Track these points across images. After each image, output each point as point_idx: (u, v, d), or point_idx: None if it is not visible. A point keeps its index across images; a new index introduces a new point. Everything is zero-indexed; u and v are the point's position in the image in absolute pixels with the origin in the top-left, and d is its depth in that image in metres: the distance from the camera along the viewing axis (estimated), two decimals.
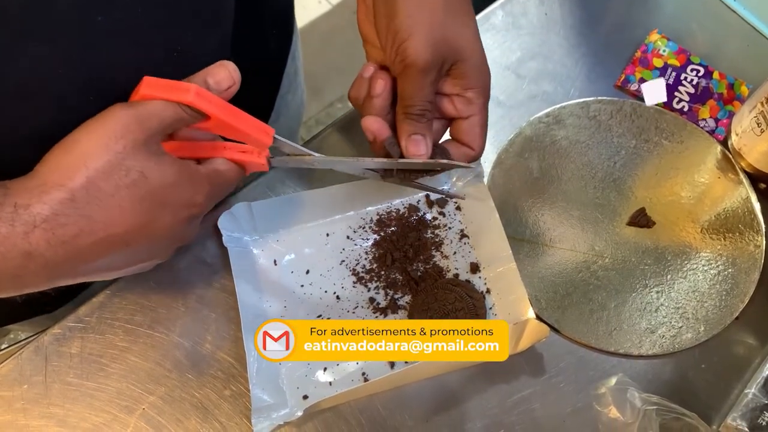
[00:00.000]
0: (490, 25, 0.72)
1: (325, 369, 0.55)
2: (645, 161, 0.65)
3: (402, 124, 0.52)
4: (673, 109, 0.68)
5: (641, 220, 0.62)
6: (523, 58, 0.70)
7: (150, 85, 0.43)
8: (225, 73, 0.46)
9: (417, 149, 0.51)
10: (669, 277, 0.60)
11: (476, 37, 0.52)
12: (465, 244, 0.60)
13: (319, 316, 0.57)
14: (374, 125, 0.52)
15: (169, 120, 0.43)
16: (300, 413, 0.50)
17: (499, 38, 0.71)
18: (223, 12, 0.53)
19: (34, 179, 0.40)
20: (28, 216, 0.39)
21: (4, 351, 0.56)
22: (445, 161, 0.52)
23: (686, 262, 0.61)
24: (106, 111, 0.42)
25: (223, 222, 0.57)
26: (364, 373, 0.55)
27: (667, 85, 0.68)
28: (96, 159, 0.41)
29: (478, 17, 0.71)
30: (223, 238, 0.57)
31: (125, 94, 0.47)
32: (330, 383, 0.54)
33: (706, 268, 0.61)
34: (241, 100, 0.65)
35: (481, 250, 0.60)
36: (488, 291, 0.58)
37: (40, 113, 0.45)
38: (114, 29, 0.43)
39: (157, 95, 0.43)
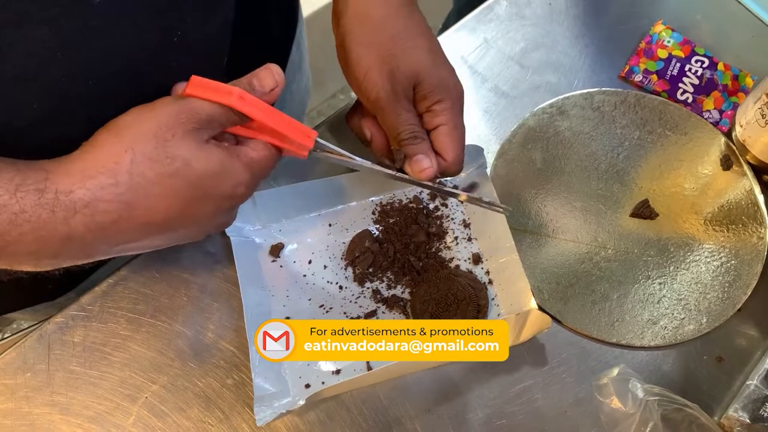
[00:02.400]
0: (494, 15, 0.71)
1: None
2: (648, 153, 0.65)
3: (401, 153, 0.54)
4: (677, 101, 0.67)
5: (644, 211, 0.62)
6: (526, 48, 0.70)
7: (195, 85, 0.44)
8: (269, 75, 0.47)
9: (420, 165, 0.53)
10: (672, 268, 0.60)
11: (432, 56, 0.53)
12: (467, 234, 0.60)
13: (322, 306, 0.57)
14: (371, 128, 0.55)
15: (217, 117, 0.44)
16: (302, 402, 0.50)
17: (502, 28, 0.71)
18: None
19: (78, 162, 0.41)
20: (68, 202, 0.39)
21: (7, 339, 0.56)
22: (478, 197, 0.54)
23: (689, 253, 0.61)
24: (157, 101, 0.43)
25: None
26: (367, 361, 0.55)
27: (672, 76, 0.68)
28: (143, 144, 0.41)
29: (482, 7, 0.72)
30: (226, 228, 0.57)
31: (124, 78, 0.47)
32: (332, 372, 0.54)
33: (708, 259, 0.60)
34: None
35: (484, 241, 0.60)
36: (490, 282, 0.58)
37: (39, 98, 0.45)
38: (112, 13, 0.43)
39: (202, 95, 0.44)
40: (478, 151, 0.60)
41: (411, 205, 0.61)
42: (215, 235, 0.59)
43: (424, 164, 0.52)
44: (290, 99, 0.80)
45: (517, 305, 0.56)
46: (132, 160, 0.40)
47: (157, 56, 0.49)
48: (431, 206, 0.61)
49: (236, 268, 0.56)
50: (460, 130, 0.54)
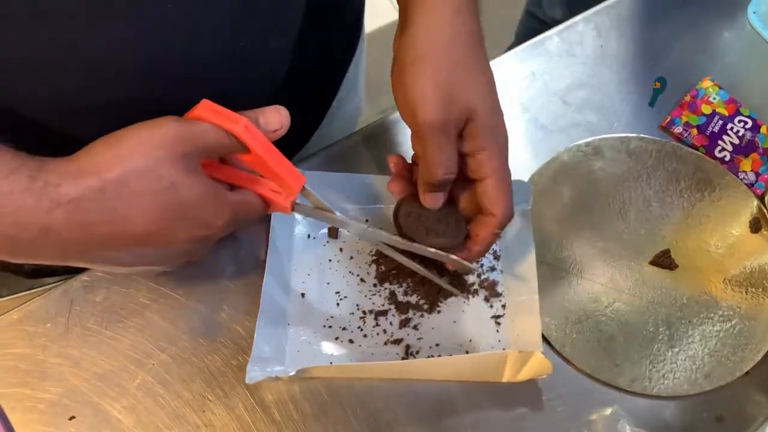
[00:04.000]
0: (544, 49, 0.73)
1: (336, 338, 0.57)
2: (677, 204, 0.65)
3: (421, 188, 0.53)
4: (714, 157, 0.67)
5: (664, 261, 0.62)
6: (572, 85, 0.71)
7: (205, 108, 0.45)
8: (276, 117, 0.48)
9: (434, 202, 0.53)
10: (683, 321, 0.60)
11: (488, 96, 0.51)
12: (494, 265, 0.61)
13: (338, 293, 0.59)
14: (396, 187, 0.56)
15: (212, 143, 0.45)
16: (292, 372, 0.52)
17: (551, 63, 0.72)
18: (289, 15, 0.55)
19: (73, 163, 0.42)
20: (55, 194, 0.40)
21: (33, 291, 0.59)
22: (455, 258, 0.54)
23: (703, 309, 0.61)
24: (158, 119, 0.44)
25: None
26: (373, 354, 0.56)
27: (712, 132, 0.68)
28: (135, 159, 0.42)
29: (534, 40, 0.73)
30: None
31: (182, 80, 0.50)
32: (330, 354, 0.56)
33: (723, 318, 0.60)
34: (297, 99, 0.67)
35: (508, 275, 0.60)
36: (502, 315, 0.59)
37: (104, 87, 0.47)
38: (182, 17, 0.46)
39: (210, 119, 0.45)
40: (526, 187, 0.61)
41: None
42: None
43: (437, 201, 0.53)
44: (341, 116, 0.81)
45: (524, 342, 0.56)
46: (122, 171, 0.42)
47: (216, 65, 0.51)
48: None
49: (270, 231, 0.58)
50: (508, 181, 0.52)
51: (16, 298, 0.58)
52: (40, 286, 0.64)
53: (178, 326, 0.57)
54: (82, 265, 0.46)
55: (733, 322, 0.60)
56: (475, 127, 0.50)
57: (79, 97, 0.48)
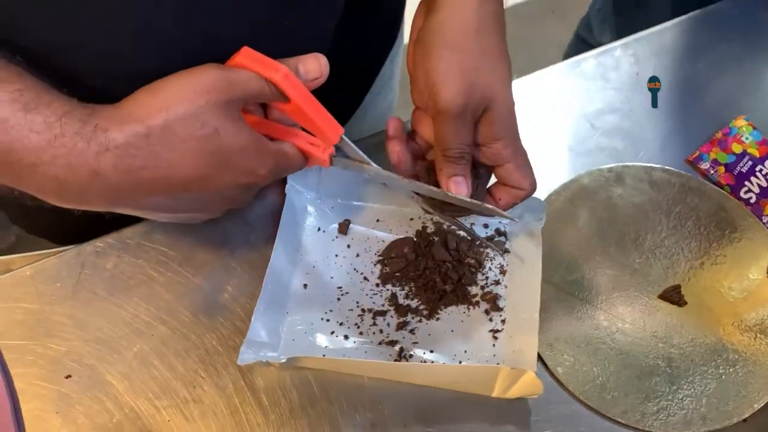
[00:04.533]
0: (579, 71, 0.72)
1: (332, 332, 0.57)
2: (695, 241, 0.64)
3: (441, 166, 0.53)
4: (739, 198, 0.66)
5: (674, 296, 0.61)
6: (602, 110, 0.70)
7: (246, 56, 0.46)
8: (316, 65, 0.49)
9: (459, 189, 0.53)
10: (685, 359, 0.59)
11: (507, 85, 0.53)
12: (498, 279, 0.61)
13: (340, 288, 0.60)
14: (396, 147, 0.55)
15: (253, 91, 0.46)
16: (284, 359, 0.53)
17: (584, 85, 0.71)
18: (332, 1, 0.56)
19: (119, 109, 0.44)
20: (104, 138, 0.42)
21: (47, 251, 0.61)
22: (490, 207, 0.54)
23: (708, 350, 0.59)
24: (199, 66, 0.45)
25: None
26: (366, 352, 0.57)
27: (740, 173, 0.67)
28: (178, 106, 0.43)
29: (570, 60, 0.73)
30: (287, 186, 0.61)
31: (223, 52, 0.51)
32: (324, 347, 0.57)
33: (726, 362, 0.59)
34: (331, 89, 0.68)
35: (511, 291, 0.60)
36: (500, 330, 0.58)
37: (151, 55, 0.48)
38: None
39: (250, 66, 0.46)
40: (541, 205, 0.61)
41: (459, 232, 0.62)
42: (258, 206, 0.62)
43: (462, 188, 0.53)
44: (374, 110, 0.82)
45: (518, 360, 0.56)
46: (166, 118, 0.43)
47: (260, 38, 0.52)
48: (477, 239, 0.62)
49: (281, 220, 0.59)
50: (527, 159, 0.55)
51: (31, 256, 0.60)
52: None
53: (181, 301, 0.59)
54: (128, 211, 0.48)
55: (737, 367, 0.59)
56: (493, 115, 0.52)
57: (130, 64, 0.49)
